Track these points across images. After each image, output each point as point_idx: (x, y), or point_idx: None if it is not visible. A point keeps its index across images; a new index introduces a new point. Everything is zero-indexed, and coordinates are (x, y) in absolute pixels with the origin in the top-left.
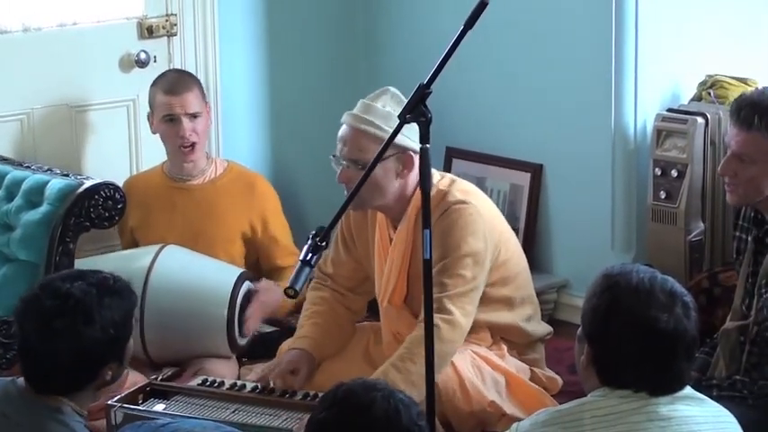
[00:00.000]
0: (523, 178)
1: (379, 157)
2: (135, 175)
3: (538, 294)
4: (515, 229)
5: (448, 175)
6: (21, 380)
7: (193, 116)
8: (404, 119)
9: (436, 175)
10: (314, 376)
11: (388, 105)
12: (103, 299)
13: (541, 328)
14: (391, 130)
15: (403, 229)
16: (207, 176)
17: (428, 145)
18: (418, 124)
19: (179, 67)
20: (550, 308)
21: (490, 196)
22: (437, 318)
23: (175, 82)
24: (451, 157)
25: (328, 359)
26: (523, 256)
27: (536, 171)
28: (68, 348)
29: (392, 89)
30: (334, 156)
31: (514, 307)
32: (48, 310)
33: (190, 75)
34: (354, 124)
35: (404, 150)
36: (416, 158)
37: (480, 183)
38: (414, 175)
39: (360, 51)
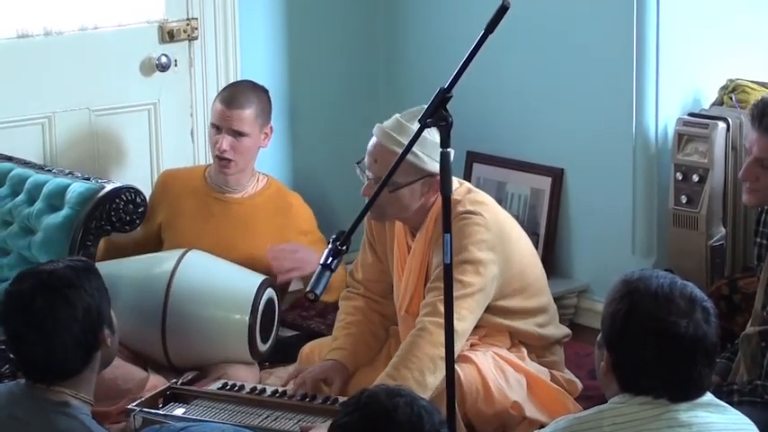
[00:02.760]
0: (544, 182)
1: (391, 174)
2: (174, 170)
3: (558, 299)
4: (535, 234)
5: (466, 183)
6: (24, 380)
7: (238, 134)
8: (425, 123)
9: (455, 182)
10: (348, 385)
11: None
12: (76, 270)
13: (559, 331)
14: (425, 157)
15: (421, 237)
16: (248, 192)
17: (449, 149)
18: (439, 128)
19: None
20: (571, 312)
21: (511, 201)
22: (428, 321)
23: (235, 95)
24: (472, 162)
25: (362, 367)
26: (539, 265)
27: (557, 175)
28: (57, 323)
29: None
30: (358, 163)
31: (528, 316)
32: (27, 292)
33: (257, 92)
34: (387, 144)
35: (432, 175)
36: None
37: (501, 187)
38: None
39: (380, 55)
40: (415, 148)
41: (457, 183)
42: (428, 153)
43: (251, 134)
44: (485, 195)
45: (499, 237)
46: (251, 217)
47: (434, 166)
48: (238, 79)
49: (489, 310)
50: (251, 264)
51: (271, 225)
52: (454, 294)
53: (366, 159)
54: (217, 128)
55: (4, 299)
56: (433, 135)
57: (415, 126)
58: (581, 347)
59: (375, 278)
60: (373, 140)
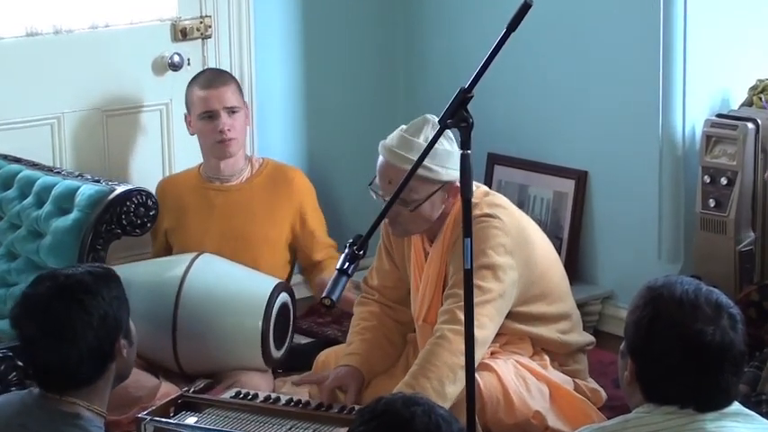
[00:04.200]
0: (567, 185)
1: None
2: (169, 177)
3: (581, 305)
4: (558, 239)
5: (483, 186)
6: (37, 389)
7: (231, 111)
8: (444, 124)
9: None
10: (363, 393)
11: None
12: (95, 276)
13: (582, 338)
14: (439, 168)
15: (438, 243)
16: (244, 176)
17: (469, 151)
18: (459, 129)
19: (250, 78)
20: (594, 319)
21: (533, 204)
22: (447, 329)
23: (212, 77)
24: (493, 164)
25: (378, 375)
26: (561, 270)
27: (580, 178)
28: (72, 329)
29: (432, 117)
30: (371, 186)
31: (550, 322)
32: (43, 296)
33: (226, 72)
34: (398, 164)
35: (449, 182)
36: None
37: (523, 190)
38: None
39: (399, 52)
40: (426, 162)
41: (474, 185)
42: (440, 164)
43: (241, 108)
44: (503, 198)
45: (518, 240)
46: (254, 200)
47: (450, 175)
48: (251, 78)
49: (510, 316)
50: (265, 250)
51: (275, 204)
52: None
53: (378, 180)
54: (209, 115)
55: (20, 301)
56: (442, 144)
57: (422, 140)
58: (605, 356)
59: (391, 285)
60: (381, 161)
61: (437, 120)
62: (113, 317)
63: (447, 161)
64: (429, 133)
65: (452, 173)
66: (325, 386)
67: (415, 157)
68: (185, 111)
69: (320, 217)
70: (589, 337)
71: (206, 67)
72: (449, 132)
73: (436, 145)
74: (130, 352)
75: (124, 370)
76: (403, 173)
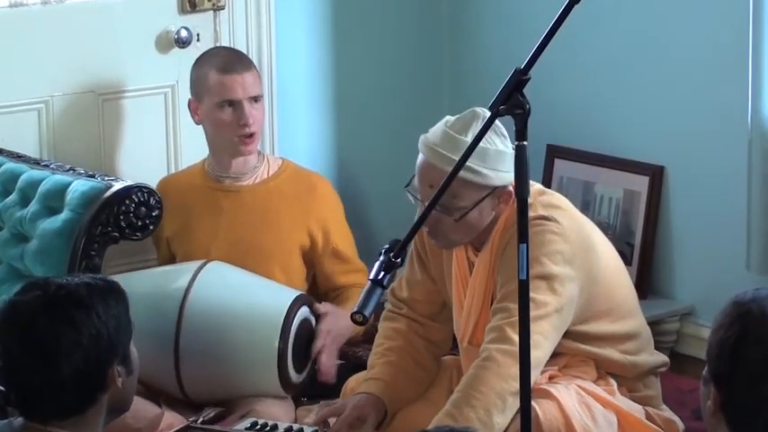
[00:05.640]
0: (640, 183)
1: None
2: (171, 175)
3: (656, 323)
4: (629, 245)
5: (537, 184)
6: (20, 419)
7: (254, 99)
8: (496, 111)
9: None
10: (392, 422)
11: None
12: (91, 288)
13: (653, 359)
14: (489, 171)
15: (486, 252)
16: (258, 176)
17: (525, 142)
18: (513, 117)
19: (267, 57)
20: (671, 339)
21: (599, 205)
22: (495, 349)
23: (233, 59)
24: (553, 158)
25: (408, 403)
26: (628, 282)
27: (656, 174)
28: (57, 348)
29: (482, 111)
30: (407, 189)
31: (615, 343)
32: (28, 307)
33: (241, 51)
34: (441, 167)
35: (503, 187)
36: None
37: (588, 188)
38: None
39: (443, 31)
40: (474, 164)
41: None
42: (491, 166)
43: (263, 96)
44: (561, 198)
45: (580, 248)
46: (268, 205)
47: (502, 179)
48: (270, 58)
49: (568, 335)
50: (279, 262)
51: (293, 213)
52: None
53: (417, 183)
54: (230, 104)
55: (4, 308)
56: (494, 143)
57: (469, 138)
58: (683, 382)
59: (422, 298)
60: (421, 159)
61: (487, 111)
62: (108, 338)
63: (499, 163)
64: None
65: (505, 176)
66: (343, 419)
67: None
68: (190, 96)
69: (347, 234)
70: (662, 357)
71: (218, 45)
72: (501, 129)
73: (486, 144)
74: (128, 382)
75: (120, 402)
76: (446, 176)
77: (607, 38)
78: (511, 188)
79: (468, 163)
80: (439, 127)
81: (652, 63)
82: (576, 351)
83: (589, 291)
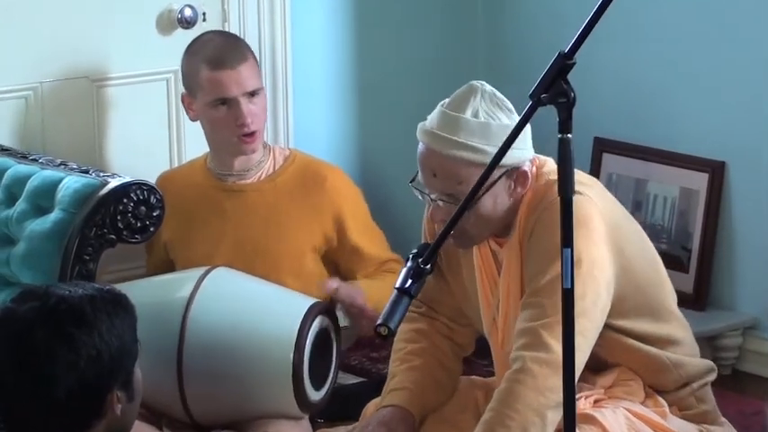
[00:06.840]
0: (699, 180)
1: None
2: (170, 171)
3: (715, 338)
4: (686, 250)
5: (541, 156)
6: None
7: (251, 94)
8: (538, 99)
9: (544, 158)
10: None
11: (481, 112)
12: (96, 301)
13: (698, 362)
14: (494, 150)
15: (514, 242)
16: (263, 171)
17: (569, 135)
18: (557, 106)
19: (233, 30)
20: (733, 356)
21: (653, 205)
22: (529, 358)
23: (224, 50)
24: (601, 152)
25: (434, 419)
26: (668, 282)
27: (716, 171)
28: (51, 368)
29: (480, 84)
30: (413, 184)
31: (656, 346)
32: (24, 317)
33: (237, 38)
34: (443, 151)
35: (516, 167)
36: (531, 169)
37: (640, 186)
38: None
39: (477, 8)
40: (475, 142)
41: (538, 159)
42: (496, 144)
43: (262, 87)
44: (589, 177)
45: (613, 229)
46: (276, 204)
47: (512, 157)
48: (285, 43)
49: (610, 328)
50: (290, 267)
51: (301, 208)
52: (555, 311)
53: (420, 175)
54: (224, 102)
55: None
56: (498, 117)
57: (469, 114)
58: (746, 403)
59: (438, 298)
60: (421, 147)
61: (489, 86)
62: (109, 360)
63: (503, 137)
64: (479, 105)
65: (516, 154)
66: None
67: (462, 138)
68: (183, 89)
69: (367, 228)
70: (708, 362)
71: (209, 30)
72: (506, 102)
73: (488, 119)
74: (128, 408)
75: (118, 430)
76: (449, 161)
77: (663, 16)
78: (526, 168)
79: (468, 141)
80: (436, 109)
81: (711, 52)
82: (616, 344)
83: (623, 280)
